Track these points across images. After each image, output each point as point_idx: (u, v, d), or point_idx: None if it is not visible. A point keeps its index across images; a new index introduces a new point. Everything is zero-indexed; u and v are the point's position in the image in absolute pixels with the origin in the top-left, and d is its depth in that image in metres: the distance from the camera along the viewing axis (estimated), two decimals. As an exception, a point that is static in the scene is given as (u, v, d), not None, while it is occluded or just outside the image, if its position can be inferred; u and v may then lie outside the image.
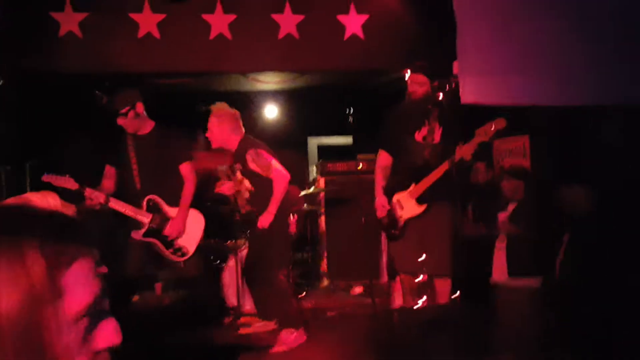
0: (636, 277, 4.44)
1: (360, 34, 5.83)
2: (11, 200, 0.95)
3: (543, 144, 5.99)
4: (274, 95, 8.74)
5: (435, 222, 4.73)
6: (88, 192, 4.65)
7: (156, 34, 5.55)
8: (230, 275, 5.71)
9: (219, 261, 5.95)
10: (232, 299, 5.68)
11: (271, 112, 8.91)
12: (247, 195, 5.05)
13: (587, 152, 5.24)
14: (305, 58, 5.86)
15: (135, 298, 5.33)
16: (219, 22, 5.64)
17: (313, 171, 8.28)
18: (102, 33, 5.46)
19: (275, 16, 5.72)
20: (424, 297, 4.77)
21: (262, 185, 4.94)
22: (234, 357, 4.82)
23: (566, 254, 4.92)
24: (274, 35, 5.73)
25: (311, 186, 7.28)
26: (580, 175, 5.13)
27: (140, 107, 4.86)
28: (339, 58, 5.89)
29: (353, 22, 5.83)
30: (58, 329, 0.85)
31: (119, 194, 4.84)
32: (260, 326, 5.40)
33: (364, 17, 5.83)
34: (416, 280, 4.77)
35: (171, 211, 4.91)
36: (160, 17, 5.55)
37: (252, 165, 4.95)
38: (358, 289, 6.88)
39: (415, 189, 4.74)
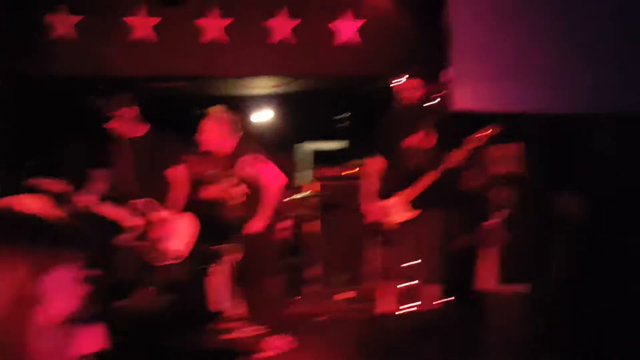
0: (628, 284, 4.46)
1: (356, 39, 5.84)
2: None
3: (535, 151, 6.01)
4: (269, 99, 8.72)
5: (426, 227, 4.73)
6: (79, 195, 4.64)
7: (151, 37, 5.56)
8: (220, 279, 5.69)
9: (208, 266, 5.92)
10: (222, 304, 5.66)
11: (265, 116, 8.90)
12: (241, 199, 5.04)
13: (579, 160, 5.26)
14: (300, 63, 5.86)
15: (126, 302, 5.30)
16: (214, 26, 5.64)
17: (306, 176, 8.27)
18: (97, 36, 5.46)
19: (270, 21, 5.73)
20: (414, 303, 4.78)
21: (257, 189, 4.93)
22: (225, 361, 4.81)
23: (558, 261, 4.94)
24: (269, 39, 5.73)
25: (304, 191, 7.27)
26: (573, 183, 5.15)
27: (134, 110, 4.86)
28: (335, 63, 5.89)
29: (348, 27, 5.83)
30: (36, 335, 0.84)
31: (111, 197, 4.83)
32: (250, 331, 5.38)
33: (359, 23, 5.83)
34: (406, 286, 4.78)
35: (164, 215, 4.90)
36: (156, 20, 5.55)
37: (247, 170, 4.94)
38: (349, 294, 6.87)
39: (407, 194, 4.75)
